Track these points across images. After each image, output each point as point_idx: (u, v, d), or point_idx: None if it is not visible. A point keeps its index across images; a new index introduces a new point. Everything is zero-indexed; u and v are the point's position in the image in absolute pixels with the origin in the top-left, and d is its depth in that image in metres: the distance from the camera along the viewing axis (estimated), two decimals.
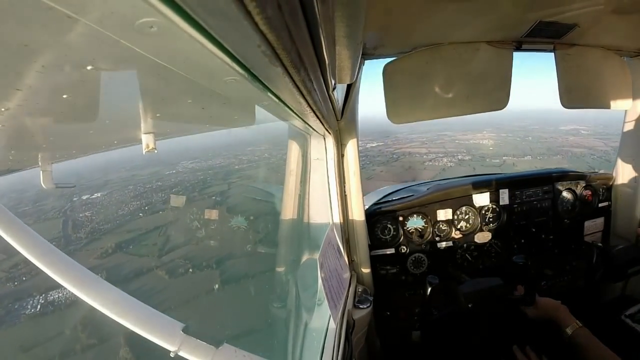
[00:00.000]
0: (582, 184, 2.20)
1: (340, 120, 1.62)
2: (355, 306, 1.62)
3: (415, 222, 2.02)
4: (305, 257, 1.75)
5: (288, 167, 1.69)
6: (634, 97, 1.93)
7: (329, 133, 1.52)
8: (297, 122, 1.20)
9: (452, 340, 1.91)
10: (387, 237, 2.00)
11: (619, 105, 1.95)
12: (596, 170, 2.33)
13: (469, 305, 1.79)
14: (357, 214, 1.78)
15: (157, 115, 0.72)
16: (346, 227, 1.78)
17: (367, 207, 1.99)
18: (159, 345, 0.65)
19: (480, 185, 2.11)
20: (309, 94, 0.72)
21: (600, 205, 2.23)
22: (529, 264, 1.99)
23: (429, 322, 1.90)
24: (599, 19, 1.54)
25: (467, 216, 2.07)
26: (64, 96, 0.53)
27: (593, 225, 2.23)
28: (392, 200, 2.12)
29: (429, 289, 1.86)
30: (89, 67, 0.45)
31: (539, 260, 2.11)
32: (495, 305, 1.82)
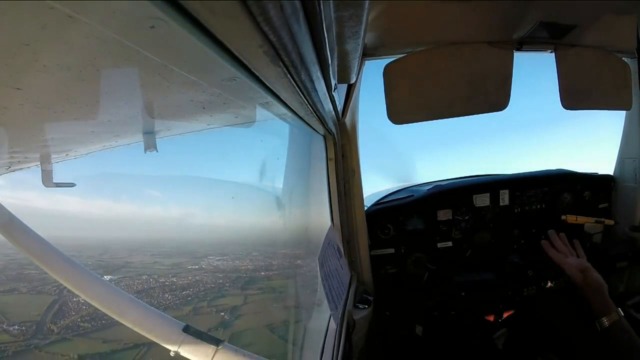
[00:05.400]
0: (582, 184, 2.20)
1: (341, 120, 1.62)
2: (355, 306, 1.62)
3: (415, 223, 2.02)
4: (305, 258, 1.75)
5: (288, 167, 1.69)
6: (635, 98, 1.93)
7: (330, 133, 1.52)
8: (298, 122, 1.20)
9: (472, 342, 1.95)
10: (387, 237, 2.00)
11: (620, 105, 1.95)
12: (596, 171, 2.32)
13: (462, 294, 1.84)
14: (358, 214, 1.78)
15: (158, 115, 0.72)
16: (346, 227, 1.78)
17: (367, 207, 1.99)
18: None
19: (480, 185, 2.11)
20: (310, 94, 0.72)
21: (600, 206, 2.22)
22: (522, 264, 2.03)
23: (428, 309, 1.94)
24: (599, 19, 1.54)
25: (467, 217, 2.07)
26: (65, 95, 0.53)
27: (593, 227, 2.22)
28: (392, 201, 2.12)
29: (426, 274, 1.91)
30: (90, 67, 0.45)
31: (538, 261, 2.11)
32: (486, 295, 1.87)
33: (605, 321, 1.27)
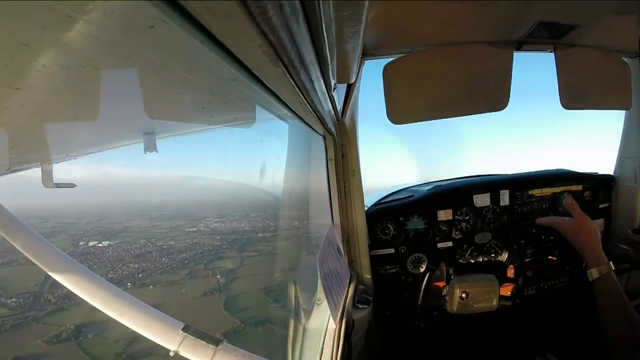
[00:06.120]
0: (583, 184, 2.20)
1: (341, 120, 1.62)
2: (355, 306, 1.62)
3: (415, 223, 2.02)
4: (305, 257, 1.75)
5: (288, 167, 1.69)
6: (635, 98, 1.93)
7: (329, 133, 1.52)
8: (297, 122, 1.20)
9: (471, 342, 1.94)
10: (387, 237, 2.00)
11: (620, 105, 1.95)
12: (597, 171, 2.32)
13: (462, 295, 1.84)
14: (358, 214, 1.78)
15: (158, 115, 0.72)
16: (346, 227, 1.78)
17: (367, 207, 1.99)
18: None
19: (481, 185, 2.11)
20: (309, 94, 0.72)
21: (600, 206, 2.22)
22: (522, 264, 2.03)
23: (427, 309, 1.95)
24: (600, 19, 1.54)
25: (467, 217, 2.07)
26: (65, 96, 0.53)
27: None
28: (393, 201, 2.12)
29: (427, 275, 1.92)
30: (89, 67, 0.45)
31: (538, 261, 2.11)
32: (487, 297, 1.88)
33: (594, 272, 1.28)
